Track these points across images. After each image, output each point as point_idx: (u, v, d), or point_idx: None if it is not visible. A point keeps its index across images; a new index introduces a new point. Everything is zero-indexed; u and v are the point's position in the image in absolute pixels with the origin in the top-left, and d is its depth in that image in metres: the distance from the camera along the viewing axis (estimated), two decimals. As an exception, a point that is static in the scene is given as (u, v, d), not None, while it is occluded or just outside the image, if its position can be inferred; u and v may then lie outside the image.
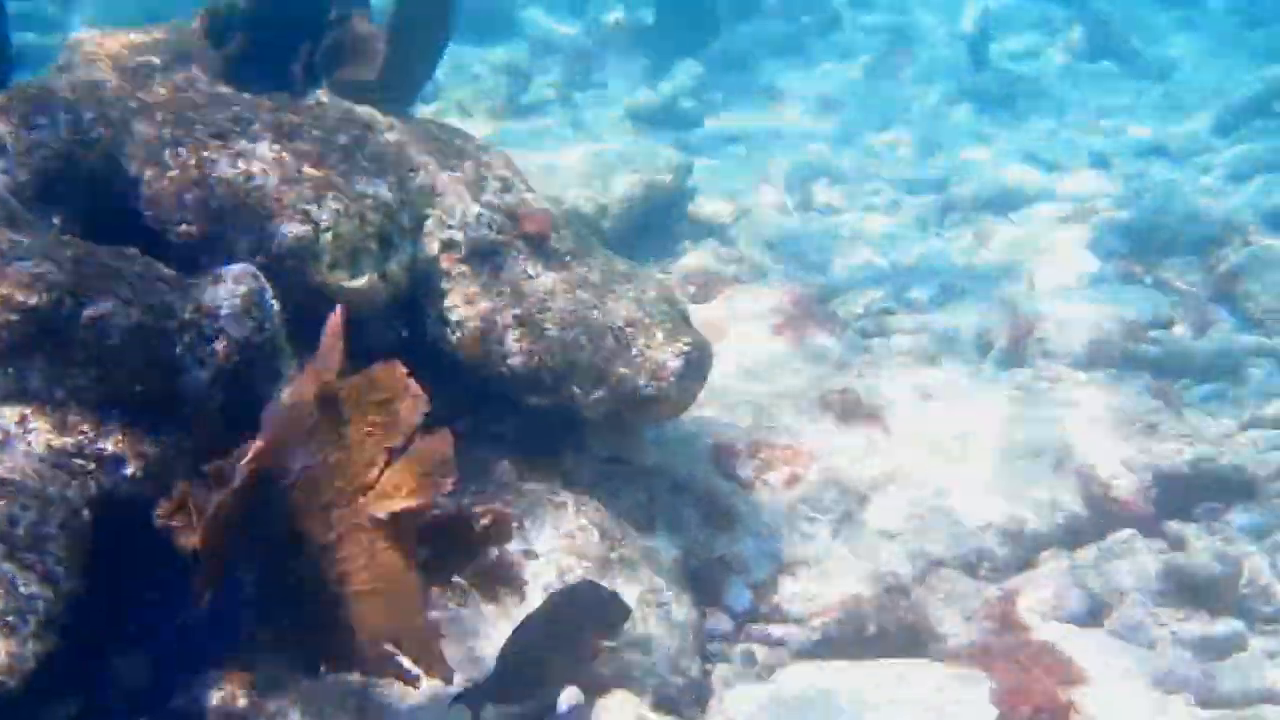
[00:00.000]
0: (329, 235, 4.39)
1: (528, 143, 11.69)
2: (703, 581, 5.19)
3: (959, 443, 6.31)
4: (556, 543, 4.71)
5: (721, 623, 5.10)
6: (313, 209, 4.40)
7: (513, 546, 4.60)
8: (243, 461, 3.71)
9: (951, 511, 5.71)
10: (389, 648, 3.74)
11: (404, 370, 3.66)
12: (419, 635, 3.72)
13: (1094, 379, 7.72)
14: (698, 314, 7.67)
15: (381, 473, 3.74)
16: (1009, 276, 9.83)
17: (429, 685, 3.78)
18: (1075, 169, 13.33)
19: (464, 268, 4.94)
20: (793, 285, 8.95)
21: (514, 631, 4.05)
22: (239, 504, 3.68)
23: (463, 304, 4.87)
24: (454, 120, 8.73)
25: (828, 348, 7.52)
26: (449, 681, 3.74)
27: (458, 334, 4.85)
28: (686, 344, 4.96)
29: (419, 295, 4.87)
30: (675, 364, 4.90)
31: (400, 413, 3.65)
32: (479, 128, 11.29)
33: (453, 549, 3.93)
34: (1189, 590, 5.34)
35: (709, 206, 10.64)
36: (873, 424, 6.15)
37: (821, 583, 5.28)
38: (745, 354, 7.15)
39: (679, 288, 8.74)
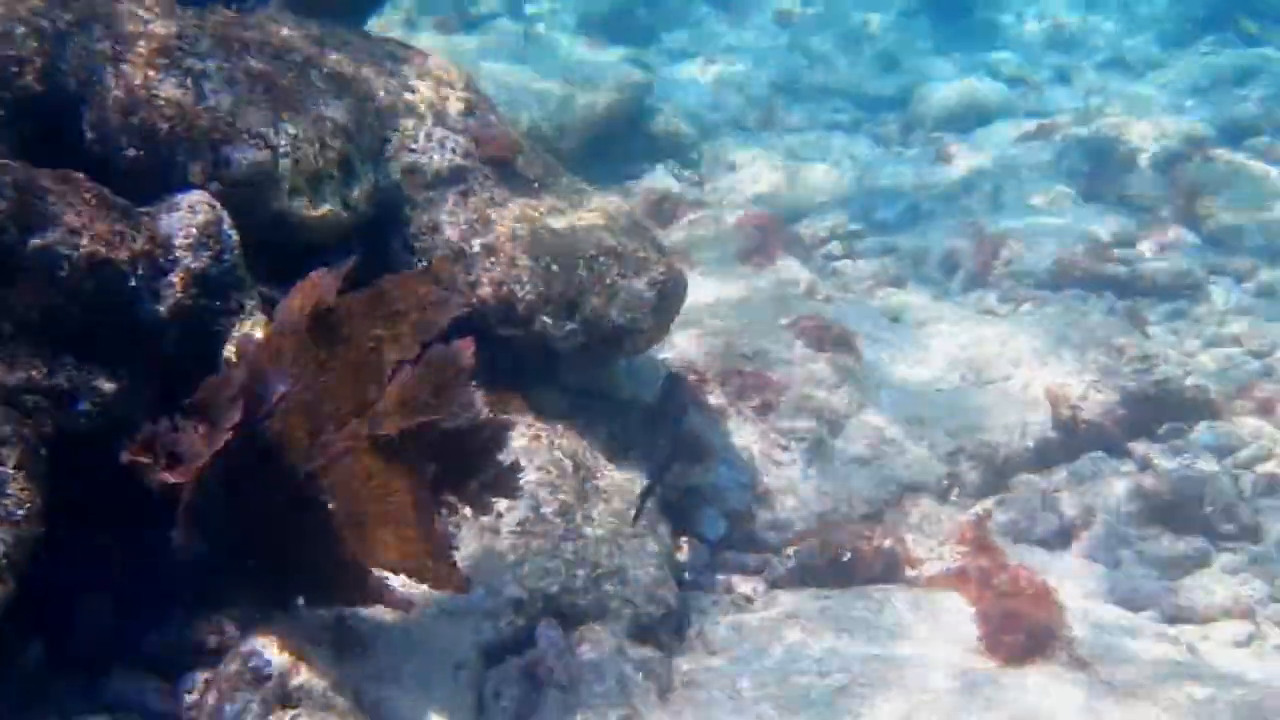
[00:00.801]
0: (288, 161, 4.23)
1: (479, 58, 11.42)
2: (678, 512, 5.16)
3: (928, 367, 6.30)
4: (531, 475, 4.63)
5: (698, 552, 5.07)
6: (269, 133, 4.23)
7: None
8: (228, 394, 3.60)
9: (922, 437, 5.71)
10: (381, 573, 3.66)
11: (420, 279, 3.57)
12: (430, 554, 3.59)
13: (1060, 299, 7.75)
14: (661, 237, 7.63)
15: (385, 388, 3.63)
16: (973, 196, 9.80)
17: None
18: (1036, 84, 13.30)
19: (429, 194, 4.80)
20: (757, 209, 8.86)
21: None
22: (239, 431, 3.57)
23: (428, 231, 4.74)
24: (399, 35, 8.43)
25: (795, 272, 7.45)
26: (466, 591, 3.67)
27: (423, 263, 4.72)
28: (661, 273, 4.88)
29: (383, 222, 4.72)
30: (649, 294, 4.82)
31: (416, 321, 3.56)
32: (426, 42, 11.01)
33: (458, 462, 3.81)
34: (1155, 511, 5.42)
35: (668, 125, 10.47)
36: (843, 350, 6.11)
37: (795, 510, 5.27)
38: (712, 280, 7.06)
39: (641, 210, 8.62)
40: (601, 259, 4.86)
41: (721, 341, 5.94)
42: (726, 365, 5.85)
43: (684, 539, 5.12)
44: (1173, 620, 4.95)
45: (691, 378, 5.64)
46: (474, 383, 4.87)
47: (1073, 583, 4.96)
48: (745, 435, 5.54)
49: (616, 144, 9.74)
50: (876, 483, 5.44)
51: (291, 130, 4.28)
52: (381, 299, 3.63)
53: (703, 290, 6.79)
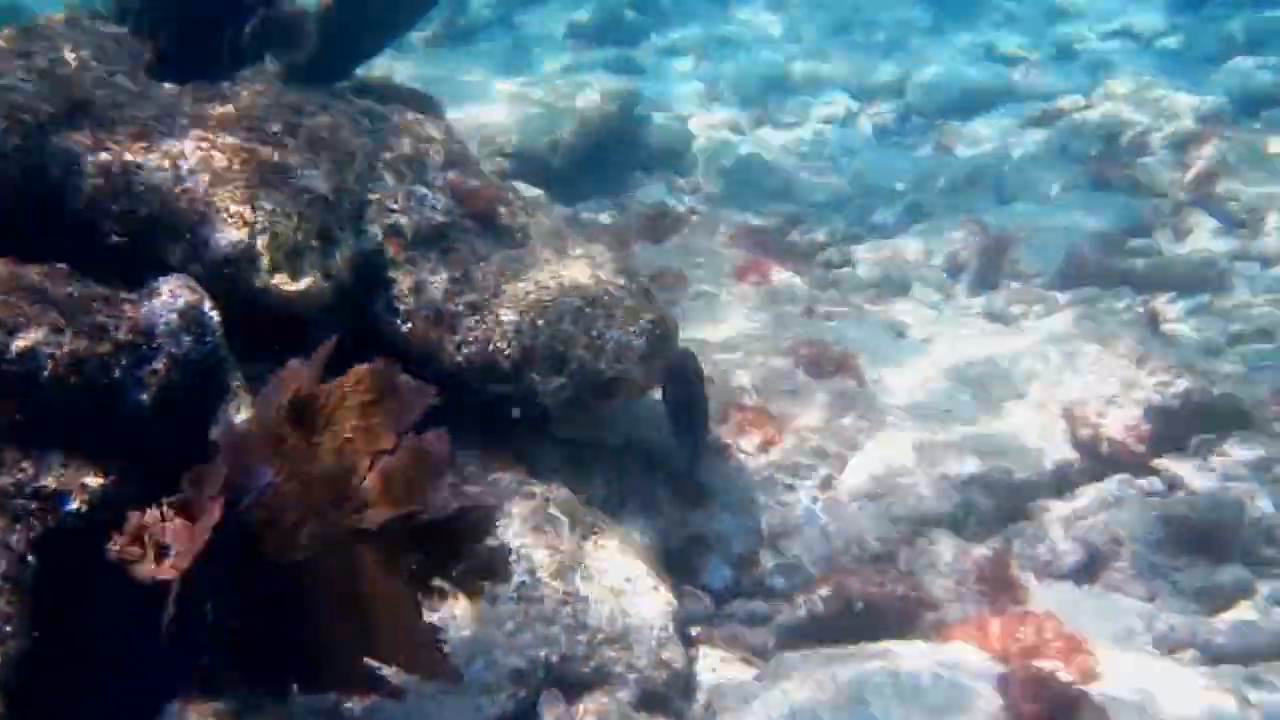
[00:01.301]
0: (266, 237, 4.29)
1: (468, 71, 11.50)
2: (681, 561, 5.23)
3: (937, 386, 6.35)
4: (527, 536, 4.71)
5: (703, 603, 5.15)
6: (246, 210, 4.29)
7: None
8: (209, 492, 3.68)
9: (935, 465, 5.73)
10: (372, 662, 3.74)
11: (393, 368, 3.63)
12: (417, 645, 3.70)
13: (1073, 300, 7.78)
14: (654, 257, 7.70)
15: (364, 479, 3.71)
16: (976, 188, 9.83)
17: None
18: (1037, 63, 13.30)
19: (411, 253, 4.86)
20: (752, 219, 8.92)
21: None
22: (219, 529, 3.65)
23: (411, 293, 4.80)
24: (388, 53, 8.45)
25: (794, 288, 7.50)
26: (459, 681, 3.76)
27: (408, 325, 4.78)
28: (649, 320, 4.93)
29: (365, 285, 4.79)
30: (638, 343, 4.87)
31: (391, 412, 3.63)
32: (410, 64, 11.10)
33: (442, 551, 3.91)
34: (1189, 537, 5.36)
35: (660, 134, 10.53)
36: (845, 374, 6.16)
37: (804, 554, 5.33)
38: (707, 304, 7.13)
39: (635, 226, 8.70)
40: (587, 310, 4.91)
41: (718, 376, 6.00)
42: (724, 401, 5.91)
43: (688, 589, 5.18)
44: (1217, 661, 4.77)
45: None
46: (454, 458, 5.02)
47: (1102, 622, 4.95)
48: (747, 475, 5.59)
49: (609, 156, 9.80)
50: (888, 519, 5.48)
51: (269, 205, 4.34)
52: (355, 389, 3.69)
53: (696, 316, 6.86)
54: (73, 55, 4.56)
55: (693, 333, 6.35)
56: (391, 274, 4.82)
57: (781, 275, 7.54)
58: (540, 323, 4.81)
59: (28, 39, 4.59)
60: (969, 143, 10.91)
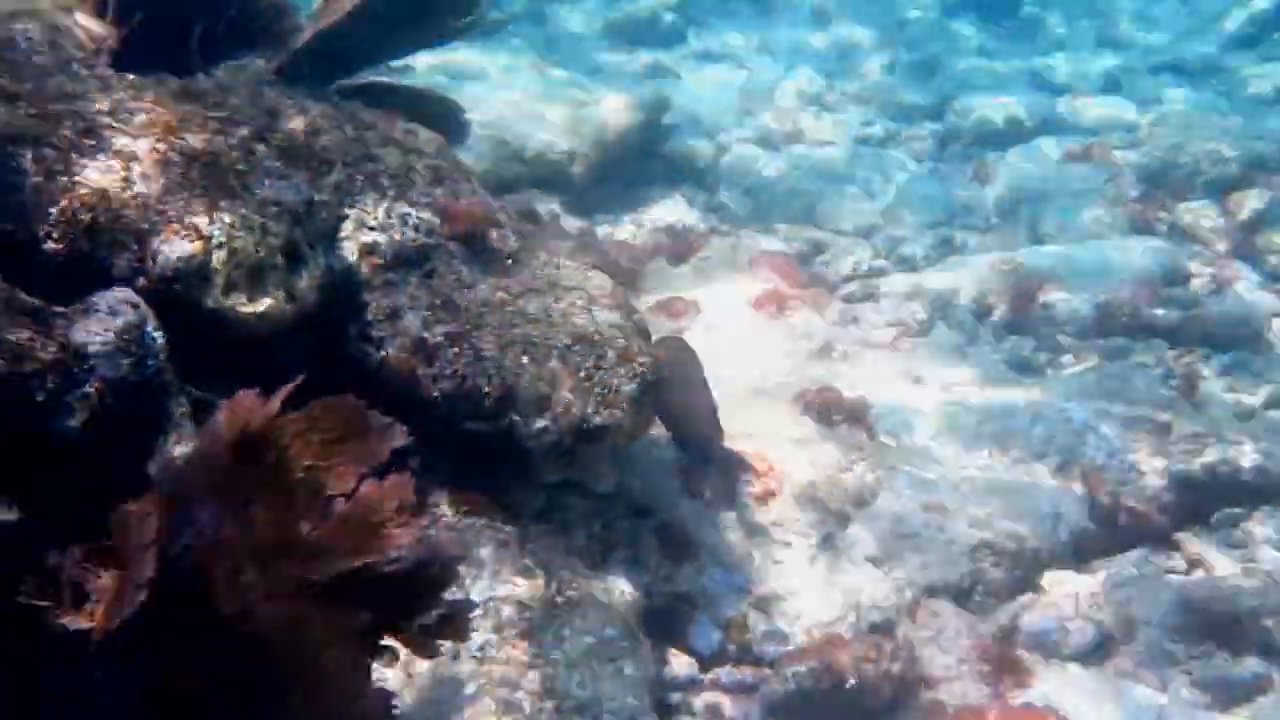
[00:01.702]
0: (222, 253, 3.90)
1: (491, 66, 11.12)
2: (666, 620, 4.81)
3: (952, 443, 5.91)
4: (495, 589, 4.31)
5: (686, 668, 4.72)
6: (202, 221, 3.90)
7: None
8: (142, 540, 3.31)
9: (943, 529, 5.32)
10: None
11: (358, 403, 3.25)
12: (365, 713, 3.34)
13: (1103, 351, 7.32)
14: (669, 280, 7.28)
15: (316, 526, 3.34)
16: (1011, 223, 9.38)
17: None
18: (1084, 94, 12.80)
19: (388, 276, 4.46)
20: (774, 244, 8.50)
21: None
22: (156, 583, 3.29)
23: (386, 319, 4.40)
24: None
25: (811, 324, 7.07)
26: None
27: (381, 353, 4.38)
28: (642, 364, 4.51)
29: (337, 308, 4.39)
30: (629, 388, 4.45)
31: (354, 452, 3.25)
32: (430, 53, 10.68)
33: (397, 606, 3.54)
34: (1208, 624, 4.99)
35: (687, 147, 10.10)
36: (856, 425, 5.74)
37: (798, 619, 4.91)
38: (718, 336, 6.71)
39: (652, 244, 8.29)
40: (577, 348, 4.50)
41: (721, 416, 5.57)
42: (727, 444, 5.49)
43: (672, 651, 4.76)
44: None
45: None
46: (421, 506, 4.63)
47: (1109, 712, 4.56)
48: (743, 528, 5.17)
49: (629, 166, 9.37)
50: (890, 586, 5.06)
51: (228, 218, 3.95)
52: (315, 424, 3.30)
53: (706, 346, 6.41)
54: (24, 38, 4.16)
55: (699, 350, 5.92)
56: (366, 297, 4.42)
57: (799, 309, 7.09)
58: (525, 360, 4.40)
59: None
60: (1007, 174, 10.39)
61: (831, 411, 5.71)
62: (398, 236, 4.50)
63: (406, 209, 4.56)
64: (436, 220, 4.59)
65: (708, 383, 5.32)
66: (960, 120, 11.80)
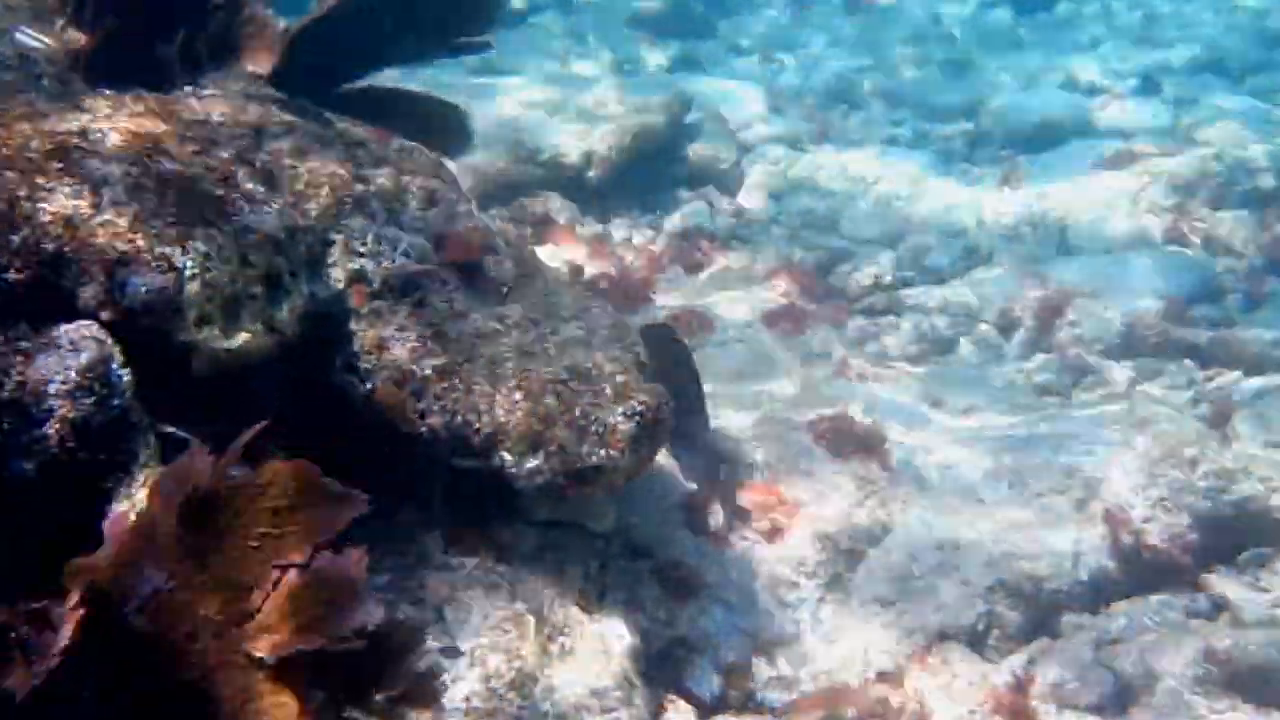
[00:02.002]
0: (195, 285, 3.67)
1: (510, 59, 10.87)
2: (664, 664, 4.58)
3: (967, 478, 5.62)
4: (485, 636, 4.09)
5: (685, 716, 4.48)
6: (174, 252, 3.67)
7: (432, 644, 4.03)
8: (69, 607, 3.10)
9: (957, 568, 5.06)
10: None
11: (313, 471, 3.03)
12: None
13: (1132, 373, 7.02)
14: (684, 289, 7.02)
15: (268, 597, 3.13)
16: (1038, 235, 9.05)
17: None
18: (1120, 95, 12.42)
19: (377, 304, 4.23)
20: (796, 253, 8.22)
21: None
22: (73, 652, 3.09)
23: (374, 350, 4.17)
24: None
25: (828, 342, 6.80)
26: None
27: (368, 386, 4.16)
28: (641, 402, 4.26)
29: (323, 338, 4.16)
30: (626, 427, 4.20)
31: (309, 522, 3.03)
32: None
33: (355, 680, 3.34)
34: (1232, 675, 4.71)
35: (710, 148, 9.80)
36: (869, 457, 5.47)
37: (803, 664, 4.66)
38: (730, 356, 6.43)
39: (668, 250, 8.03)
40: (573, 384, 4.25)
41: (728, 446, 5.32)
42: (731, 477, 5.24)
43: (670, 698, 4.52)
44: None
45: (693, 496, 5.04)
46: (427, 523, 4.41)
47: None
48: (748, 567, 4.93)
49: (650, 168, 9.10)
50: (900, 630, 4.81)
51: (203, 247, 3.72)
52: (267, 490, 3.08)
53: (714, 369, 6.17)
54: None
55: (708, 387, 5.66)
56: (352, 326, 4.19)
57: (816, 326, 6.81)
58: (517, 396, 4.16)
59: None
60: (1038, 180, 10.03)
61: (844, 442, 5.44)
62: (387, 264, 4.27)
63: (397, 233, 4.32)
64: (429, 246, 4.35)
65: (697, 373, 5.11)
66: (989, 122, 11.47)
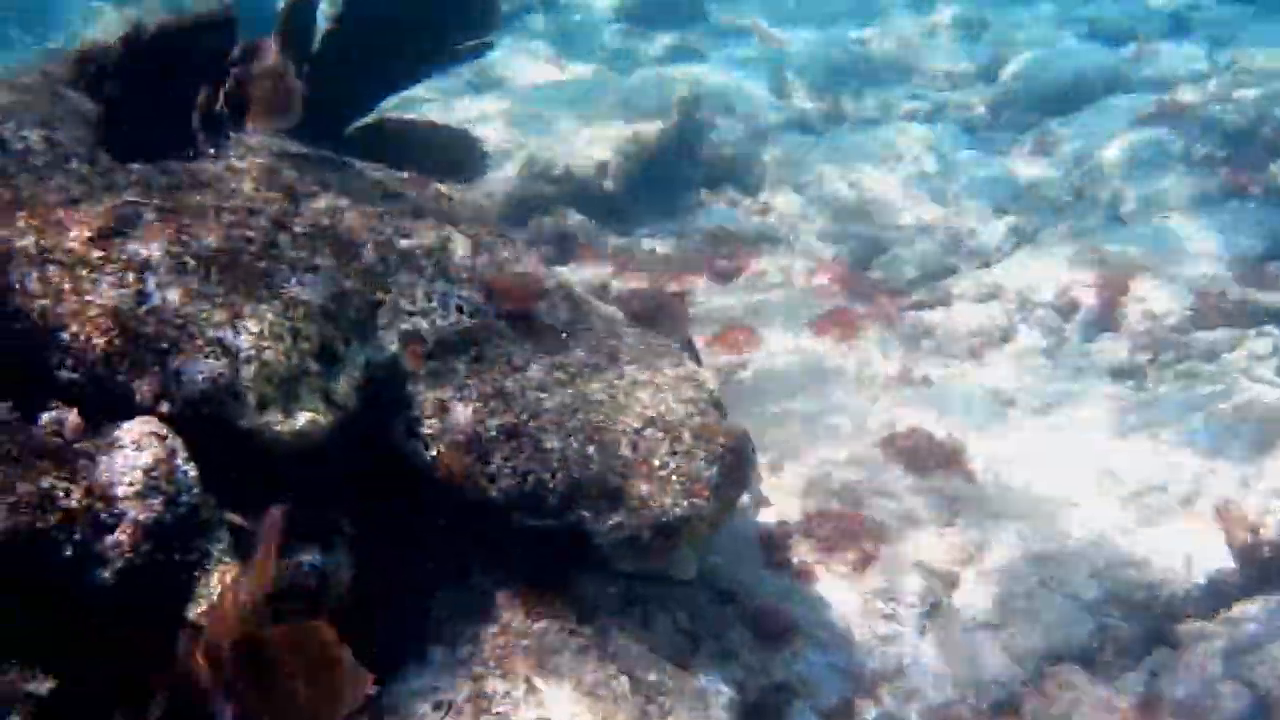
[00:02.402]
0: (252, 367, 3.73)
1: (505, 65, 10.94)
2: (763, 714, 4.64)
3: (1057, 481, 5.67)
4: (578, 704, 4.14)
5: (790, 768, 4.56)
6: (227, 334, 3.74)
7: (528, 714, 4.10)
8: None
9: (1062, 582, 5.11)
10: None
11: (330, 637, 3.10)
12: None
13: (1210, 346, 7.05)
14: (720, 300, 7.08)
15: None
16: (1085, 205, 9.10)
17: None
18: (1150, 40, 12.47)
19: (433, 364, 4.28)
20: (830, 249, 8.28)
21: None
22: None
23: (435, 414, 4.22)
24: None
25: (885, 342, 6.86)
26: None
27: (431, 452, 4.21)
28: (722, 443, 4.32)
29: (381, 404, 4.22)
30: (710, 473, 4.25)
31: (328, 689, 3.12)
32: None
33: None
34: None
35: (724, 143, 9.87)
36: (951, 469, 5.53)
37: (909, 701, 4.72)
38: (781, 369, 6.49)
39: (698, 258, 8.09)
40: (648, 431, 4.31)
41: (798, 474, 5.38)
42: (809, 503, 5.30)
43: (774, 749, 4.59)
44: None
45: (770, 530, 5.10)
46: (503, 585, 4.47)
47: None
48: (839, 602, 4.99)
49: (665, 174, 9.17)
50: (1009, 654, 4.86)
51: (255, 326, 3.79)
52: (300, 644, 3.16)
53: (770, 382, 6.24)
54: (16, 134, 4.01)
55: (766, 406, 5.74)
56: (410, 389, 4.24)
57: (868, 328, 6.87)
58: (591, 449, 4.21)
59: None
60: (1074, 143, 10.10)
61: (922, 457, 5.50)
62: (439, 320, 4.32)
63: (446, 287, 4.38)
64: (481, 297, 4.41)
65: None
66: (1015, 85, 11.53)
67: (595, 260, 7.88)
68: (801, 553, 5.07)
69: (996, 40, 12.86)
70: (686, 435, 4.30)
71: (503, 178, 8.43)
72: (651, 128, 9.04)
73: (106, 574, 3.47)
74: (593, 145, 8.79)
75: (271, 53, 4.37)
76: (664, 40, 13.24)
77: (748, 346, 6.54)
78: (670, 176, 9.16)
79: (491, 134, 8.46)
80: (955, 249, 8.57)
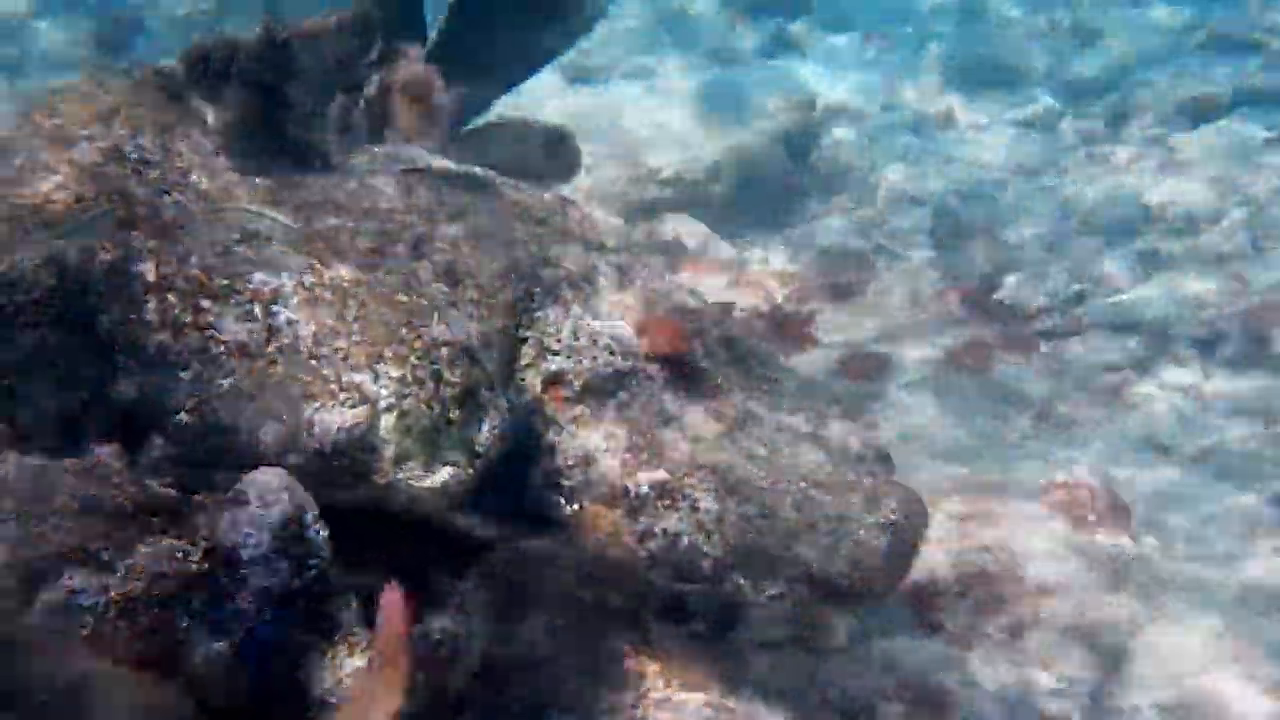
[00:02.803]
0: (391, 417, 3.33)
1: (604, 60, 10.50)
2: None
3: (1228, 538, 5.18)
4: (725, 792, 3.73)
5: None
6: (365, 379, 3.33)
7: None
8: None
9: (1252, 662, 4.60)
10: None
11: None
12: None
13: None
14: (839, 319, 6.63)
15: None
16: (1222, 229, 8.53)
17: None
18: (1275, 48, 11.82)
19: (577, 410, 3.85)
20: (953, 270, 7.79)
21: None
22: None
23: (579, 464, 3.80)
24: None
25: (1021, 377, 6.37)
26: None
27: (574, 506, 3.79)
28: (893, 509, 3.86)
29: (519, 451, 3.80)
30: (879, 542, 3.80)
31: None
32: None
33: None
34: None
35: (837, 149, 9.38)
36: (1114, 525, 5.04)
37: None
38: (916, 404, 6.02)
39: (820, 277, 7.63)
40: (814, 493, 3.86)
41: (946, 526, 4.92)
42: (960, 557, 4.84)
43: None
44: None
45: (919, 589, 4.65)
46: (640, 648, 4.06)
47: None
48: (993, 673, 4.53)
49: (774, 180, 8.70)
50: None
51: (395, 371, 3.38)
52: None
53: (907, 420, 5.77)
54: (131, 143, 3.61)
55: (908, 457, 5.27)
56: (552, 436, 3.81)
57: (1004, 357, 6.38)
58: (751, 510, 3.77)
59: (76, 120, 3.66)
60: (1202, 160, 9.51)
61: (1083, 510, 5.01)
62: (587, 362, 3.88)
63: (596, 325, 3.94)
64: (631, 336, 3.97)
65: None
66: (1135, 94, 10.94)
67: (706, 271, 7.44)
68: (954, 613, 4.59)
69: (1113, 44, 12.20)
70: (857, 499, 3.85)
71: (605, 181, 8.01)
72: (761, 130, 8.58)
73: (222, 645, 3.10)
74: (699, 145, 8.33)
75: (416, 61, 3.94)
76: (767, 32, 12.69)
77: (879, 374, 6.07)
78: (779, 183, 8.69)
79: (596, 131, 8.04)
80: (1083, 274, 8.01)
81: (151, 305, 3.33)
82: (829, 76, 11.05)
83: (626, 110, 8.83)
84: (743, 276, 7.41)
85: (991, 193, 9.12)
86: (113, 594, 2.95)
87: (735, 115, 8.75)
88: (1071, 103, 11.24)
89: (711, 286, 7.23)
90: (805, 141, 9.19)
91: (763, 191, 8.50)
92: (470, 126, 5.37)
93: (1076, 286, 7.86)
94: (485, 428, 3.57)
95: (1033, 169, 9.66)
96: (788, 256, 8.00)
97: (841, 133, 9.54)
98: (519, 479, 3.84)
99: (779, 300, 7.00)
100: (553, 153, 5.50)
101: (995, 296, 7.64)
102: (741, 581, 3.79)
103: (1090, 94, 11.37)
